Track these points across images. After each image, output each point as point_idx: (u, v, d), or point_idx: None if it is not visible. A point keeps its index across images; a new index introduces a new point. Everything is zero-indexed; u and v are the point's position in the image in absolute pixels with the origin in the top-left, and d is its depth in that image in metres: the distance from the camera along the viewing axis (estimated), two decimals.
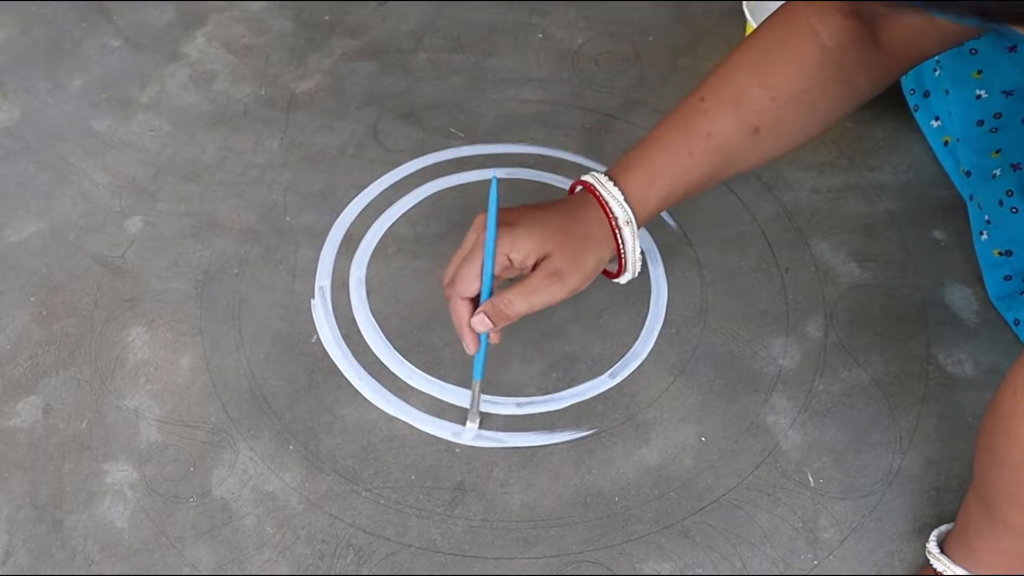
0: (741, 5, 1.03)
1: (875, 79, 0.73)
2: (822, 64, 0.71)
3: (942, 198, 0.97)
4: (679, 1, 1.13)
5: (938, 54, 0.81)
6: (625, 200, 0.73)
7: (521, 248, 0.72)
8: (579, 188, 0.77)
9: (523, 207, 0.75)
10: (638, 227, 0.74)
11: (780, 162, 0.99)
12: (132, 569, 0.76)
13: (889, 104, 1.04)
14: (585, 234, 0.73)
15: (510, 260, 0.73)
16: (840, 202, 0.96)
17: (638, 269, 0.77)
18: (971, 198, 0.90)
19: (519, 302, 0.72)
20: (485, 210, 0.73)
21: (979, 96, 0.87)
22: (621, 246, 0.74)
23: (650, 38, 1.10)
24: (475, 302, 0.74)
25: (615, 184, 0.74)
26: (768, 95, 0.72)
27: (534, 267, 0.73)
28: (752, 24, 1.01)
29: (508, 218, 0.73)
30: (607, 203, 0.73)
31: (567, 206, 0.75)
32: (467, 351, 0.76)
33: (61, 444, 0.82)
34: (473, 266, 0.73)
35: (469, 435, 0.82)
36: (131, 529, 0.78)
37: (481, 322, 0.73)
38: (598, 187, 0.74)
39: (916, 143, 1.00)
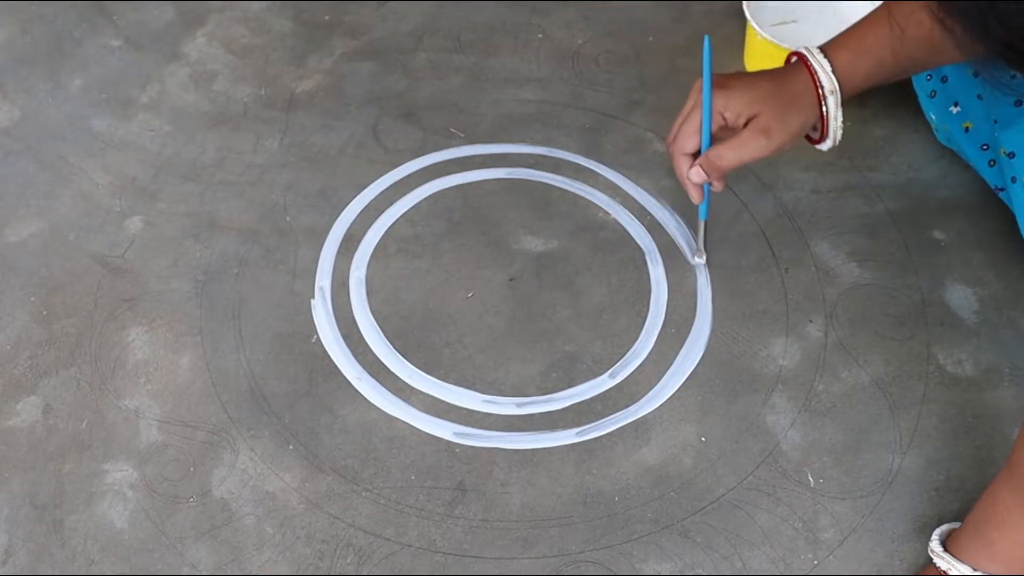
0: (741, 5, 1.03)
1: None
2: None
3: (942, 198, 0.97)
4: (679, 1, 1.13)
5: None
6: (832, 71, 0.79)
7: (733, 107, 0.79)
8: (793, 59, 0.83)
9: (738, 73, 0.83)
10: (843, 98, 0.80)
11: (780, 162, 0.99)
12: (132, 569, 0.76)
13: (889, 104, 1.04)
14: (792, 98, 0.80)
15: (724, 119, 0.80)
16: (840, 202, 0.96)
17: (839, 138, 0.82)
18: (1013, 180, 0.89)
19: (730, 154, 0.80)
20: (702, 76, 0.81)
21: (1013, 76, 0.86)
22: (825, 113, 0.80)
23: (650, 38, 1.10)
24: (695, 157, 0.82)
25: (825, 56, 0.80)
26: None
27: (744, 125, 0.80)
28: (752, 24, 1.01)
29: (723, 82, 0.80)
30: (815, 71, 0.80)
31: (778, 74, 0.82)
32: (693, 201, 0.85)
33: (61, 444, 0.82)
34: (691, 124, 0.81)
35: (699, 263, 0.92)
36: (131, 529, 0.78)
37: (697, 174, 0.82)
38: (809, 57, 0.80)
39: (916, 143, 1.00)
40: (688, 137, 0.81)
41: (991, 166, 0.91)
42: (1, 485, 0.80)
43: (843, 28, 1.06)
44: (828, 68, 0.79)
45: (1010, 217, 0.89)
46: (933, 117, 0.98)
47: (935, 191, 0.97)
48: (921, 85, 0.98)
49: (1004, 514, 0.68)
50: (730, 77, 0.81)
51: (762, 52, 1.03)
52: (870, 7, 1.04)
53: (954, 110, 0.94)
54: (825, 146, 0.83)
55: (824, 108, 0.80)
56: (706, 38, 0.79)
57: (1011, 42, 0.51)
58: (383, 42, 1.11)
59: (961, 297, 0.90)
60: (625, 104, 1.04)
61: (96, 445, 0.82)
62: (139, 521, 0.78)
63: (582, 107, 1.04)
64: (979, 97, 0.91)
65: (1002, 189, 0.91)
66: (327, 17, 1.13)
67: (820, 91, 0.79)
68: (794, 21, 1.07)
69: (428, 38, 1.11)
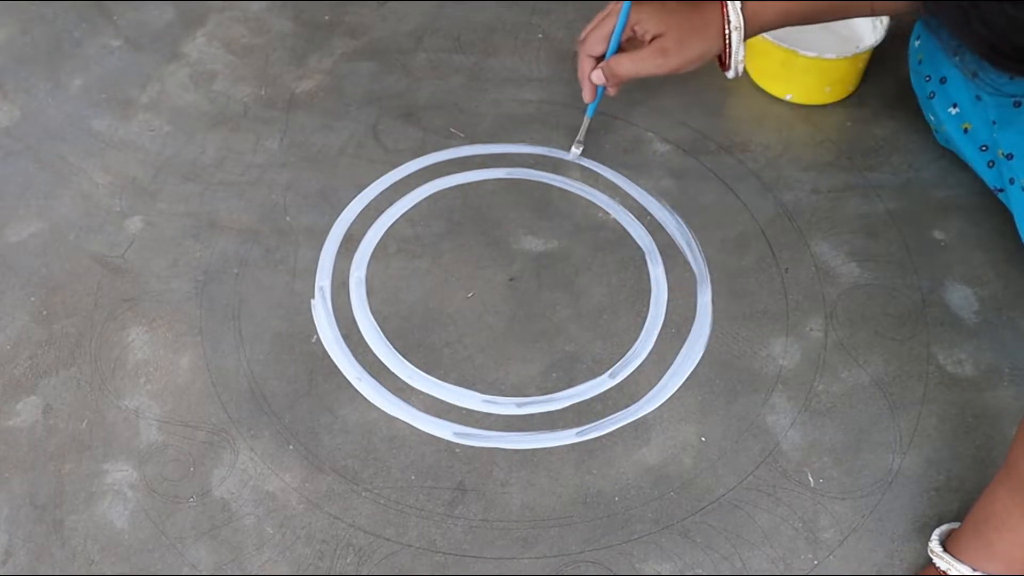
0: None
1: None
2: None
3: (942, 198, 0.97)
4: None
5: None
6: (741, 9, 0.85)
7: (644, 22, 0.87)
8: None
9: None
10: (746, 36, 0.87)
11: (780, 162, 0.99)
12: (132, 569, 0.76)
13: (889, 104, 1.04)
14: (699, 27, 0.86)
15: (634, 31, 0.88)
16: (840, 202, 0.96)
17: (740, 71, 0.89)
18: (1012, 182, 0.89)
19: (628, 64, 0.88)
20: None
21: (1012, 76, 0.86)
22: (728, 46, 0.87)
23: None
24: (598, 61, 0.90)
25: None
26: None
27: (650, 42, 0.87)
28: None
29: None
30: (726, 5, 0.86)
31: (694, 2, 0.87)
32: (584, 99, 0.94)
33: (61, 444, 0.82)
34: (603, 29, 0.89)
35: (574, 156, 1.00)
36: (131, 529, 0.78)
37: (597, 76, 0.90)
38: None
39: (916, 143, 1.00)
40: (598, 42, 0.89)
41: (990, 167, 0.91)
42: (1, 485, 0.80)
43: (842, 28, 1.07)
44: (738, 6, 0.85)
45: (1010, 217, 0.89)
46: (932, 118, 0.98)
47: (935, 191, 0.97)
48: (920, 86, 0.98)
49: (1003, 515, 0.68)
50: None
51: (762, 52, 1.03)
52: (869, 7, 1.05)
53: (953, 111, 0.94)
54: (729, 74, 0.89)
55: (728, 42, 0.86)
56: None
57: (995, 43, 0.51)
58: (383, 42, 1.11)
59: (961, 297, 0.90)
60: (625, 104, 1.04)
61: (96, 445, 0.82)
62: (139, 521, 0.78)
63: (582, 107, 1.04)
64: (978, 98, 0.91)
65: (1001, 190, 0.91)
66: (327, 17, 1.13)
67: (727, 26, 0.85)
68: None
69: (428, 38, 1.11)
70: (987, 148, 0.91)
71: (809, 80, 1.02)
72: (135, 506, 0.79)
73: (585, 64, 0.91)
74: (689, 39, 0.86)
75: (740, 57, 0.87)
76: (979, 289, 0.90)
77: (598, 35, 0.89)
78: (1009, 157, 0.88)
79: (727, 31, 0.86)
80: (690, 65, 0.87)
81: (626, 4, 0.86)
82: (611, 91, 0.92)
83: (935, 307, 0.89)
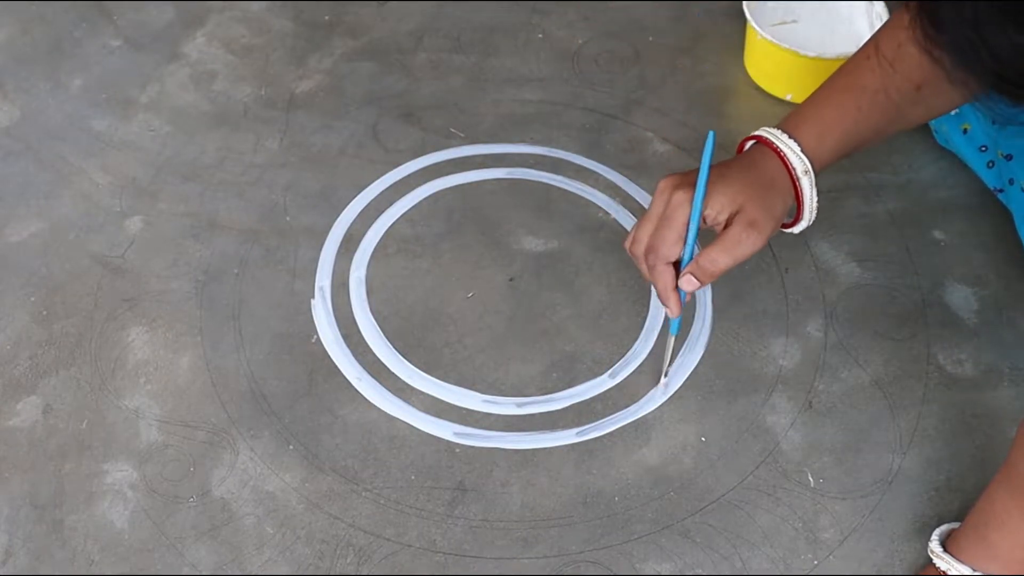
0: (741, 5, 1.03)
1: None
2: None
3: (942, 198, 0.97)
4: (679, 1, 1.13)
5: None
6: (802, 151, 0.76)
7: (714, 204, 0.74)
8: (750, 144, 0.79)
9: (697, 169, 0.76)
10: (815, 176, 0.77)
11: None
12: (132, 569, 0.76)
13: None
14: (769, 184, 0.75)
15: (703, 218, 0.75)
16: (840, 202, 0.96)
17: (813, 219, 0.79)
18: (1011, 183, 0.89)
19: (723, 257, 0.74)
20: (664, 176, 0.75)
21: (1016, 104, 0.86)
22: (800, 194, 0.77)
23: (650, 38, 1.10)
24: (674, 265, 0.76)
25: (790, 137, 0.76)
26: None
27: (727, 222, 0.74)
28: (752, 24, 1.01)
29: (693, 180, 0.75)
30: (784, 154, 0.76)
31: (746, 161, 0.77)
32: (671, 315, 0.78)
33: (61, 444, 0.82)
34: (673, 230, 0.74)
35: (660, 392, 0.84)
36: (131, 529, 0.78)
37: (689, 282, 0.75)
38: (774, 140, 0.76)
39: (916, 143, 1.00)
40: (672, 245, 0.74)
41: (989, 168, 0.92)
42: (1, 485, 0.80)
43: (843, 28, 1.07)
44: (797, 149, 0.76)
45: (1010, 217, 0.90)
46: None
47: (935, 191, 0.97)
48: None
49: (1003, 516, 0.68)
50: (695, 174, 0.75)
51: (762, 52, 1.03)
52: (870, 7, 1.05)
53: (952, 112, 0.94)
54: (799, 228, 0.79)
55: (799, 190, 0.76)
56: (710, 134, 0.74)
57: (1004, 74, 0.50)
58: (383, 42, 1.11)
59: (961, 297, 0.90)
60: (625, 104, 1.04)
61: (96, 445, 0.82)
62: (139, 521, 0.78)
63: (582, 107, 1.04)
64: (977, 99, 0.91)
65: (1000, 191, 0.91)
66: (327, 17, 1.13)
67: (792, 173, 0.76)
68: (794, 21, 1.07)
69: (428, 38, 1.11)
70: (986, 149, 0.91)
71: (809, 80, 1.02)
72: (135, 506, 0.79)
73: (666, 275, 0.75)
74: (768, 200, 0.74)
75: (815, 203, 0.77)
76: (979, 289, 0.90)
77: (669, 237, 0.74)
78: (1008, 158, 0.88)
79: (795, 178, 0.76)
80: (778, 227, 0.76)
81: (700, 192, 0.73)
82: (689, 296, 0.77)
83: (935, 307, 0.89)
